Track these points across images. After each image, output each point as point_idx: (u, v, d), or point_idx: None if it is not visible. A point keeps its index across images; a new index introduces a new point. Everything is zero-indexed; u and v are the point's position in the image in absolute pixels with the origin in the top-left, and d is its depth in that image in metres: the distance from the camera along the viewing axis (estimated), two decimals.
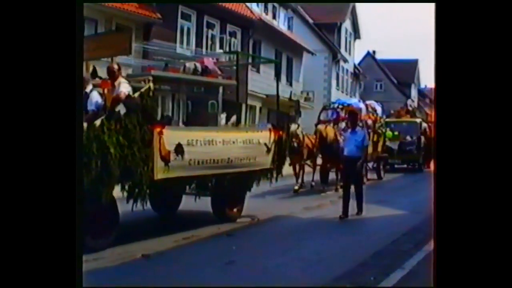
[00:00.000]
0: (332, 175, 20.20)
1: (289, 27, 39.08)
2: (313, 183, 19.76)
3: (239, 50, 29.86)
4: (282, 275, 8.18)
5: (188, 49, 25.79)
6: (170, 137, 10.11)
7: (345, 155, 13.55)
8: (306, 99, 40.27)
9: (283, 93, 34.52)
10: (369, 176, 23.31)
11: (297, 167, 19.08)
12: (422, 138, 30.45)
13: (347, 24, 51.90)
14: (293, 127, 18.21)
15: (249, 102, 31.49)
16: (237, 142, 11.66)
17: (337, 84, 49.35)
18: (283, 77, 37.23)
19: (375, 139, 23.90)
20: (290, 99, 36.05)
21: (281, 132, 13.17)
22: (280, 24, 36.85)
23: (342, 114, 22.54)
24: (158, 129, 9.83)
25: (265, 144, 12.44)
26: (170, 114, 16.04)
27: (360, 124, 22.18)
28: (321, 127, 19.79)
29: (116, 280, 7.54)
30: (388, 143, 27.25)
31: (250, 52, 31.60)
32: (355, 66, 57.65)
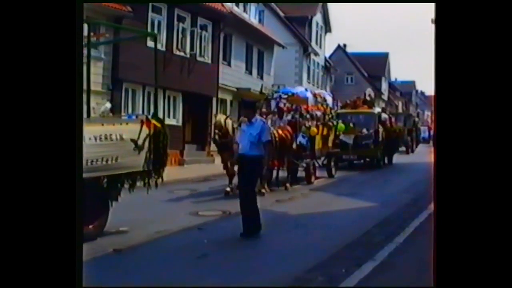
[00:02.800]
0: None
1: (260, 21, 39.03)
2: (228, 189, 16.32)
3: (210, 43, 29.77)
4: (254, 268, 8.20)
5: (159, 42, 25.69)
6: None
7: (239, 153, 10.73)
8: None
9: (254, 86, 34.69)
10: (318, 173, 21.03)
11: (229, 164, 16.12)
12: (381, 131, 27.77)
13: (318, 18, 51.96)
14: (218, 117, 16.35)
15: (220, 95, 31.49)
16: (84, 139, 8.59)
17: (308, 77, 49.43)
18: (254, 71, 37.22)
19: (324, 132, 21.74)
20: (261, 92, 36.06)
21: (159, 125, 10.56)
22: (251, 17, 36.80)
23: (288, 104, 20.78)
24: None
25: (133, 140, 9.96)
26: None
27: (308, 116, 20.90)
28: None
29: (88, 274, 7.49)
30: (342, 136, 24.77)
31: (221, 46, 31.49)
32: (326, 60, 57.78)
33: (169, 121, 26.71)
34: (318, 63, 53.59)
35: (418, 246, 9.23)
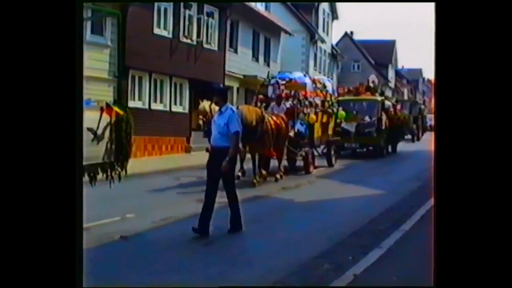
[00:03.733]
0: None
1: (267, 8, 38.90)
2: (239, 174, 15.75)
3: (217, 30, 29.66)
4: (260, 255, 8.20)
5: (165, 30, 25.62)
6: None
7: (211, 145, 9.94)
8: None
9: (260, 74, 34.65)
10: (318, 163, 20.17)
11: None
12: (384, 119, 26.96)
13: (324, 5, 51.81)
14: (202, 103, 15.09)
15: (226, 82, 31.45)
16: None
17: (315, 65, 49.34)
18: (261, 58, 37.16)
19: (324, 120, 20.82)
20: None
21: (122, 112, 9.39)
22: (258, 4, 36.70)
23: (287, 90, 19.93)
24: None
25: (90, 129, 8.86)
26: None
27: (307, 103, 19.96)
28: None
29: (94, 261, 7.51)
30: (344, 124, 24.07)
31: (228, 33, 31.40)
32: (332, 47, 57.63)
33: (175, 108, 26.76)
34: (325, 51, 53.47)
35: (424, 234, 9.22)
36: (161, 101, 25.82)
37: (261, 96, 20.11)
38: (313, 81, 21.06)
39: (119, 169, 9.51)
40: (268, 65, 38.10)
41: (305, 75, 21.44)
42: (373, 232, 9.59)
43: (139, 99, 24.14)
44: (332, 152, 21.57)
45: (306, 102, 20.16)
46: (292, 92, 20.05)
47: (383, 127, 26.65)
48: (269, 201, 13.18)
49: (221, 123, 9.53)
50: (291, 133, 18.13)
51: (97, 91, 21.61)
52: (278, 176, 16.67)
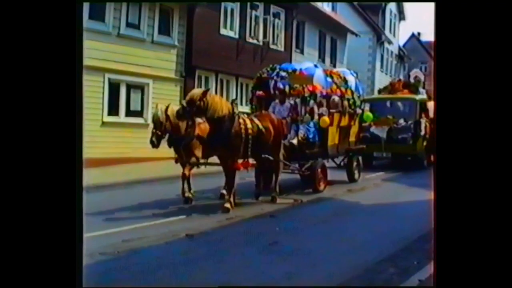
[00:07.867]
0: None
1: (333, 8, 38.70)
2: (190, 195, 12.37)
3: (283, 31, 29.68)
4: (324, 257, 8.17)
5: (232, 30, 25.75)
6: None
7: None
8: None
9: None
10: (335, 176, 16.06)
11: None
12: (423, 122, 21.26)
13: (391, 6, 51.22)
14: (158, 107, 12.08)
15: None
16: None
17: (381, 66, 48.85)
18: (327, 59, 37.02)
19: (343, 123, 16.05)
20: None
21: None
22: (324, 5, 36.56)
23: (298, 85, 15.95)
24: None
25: None
26: None
27: (311, 101, 16.26)
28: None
29: (161, 258, 7.62)
30: (373, 129, 20.23)
31: (294, 33, 31.37)
32: (399, 48, 56.97)
33: (242, 109, 26.85)
34: (391, 52, 52.89)
35: None
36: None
37: (260, 92, 16.20)
38: (329, 74, 16.16)
39: None
40: (334, 66, 37.87)
41: (316, 66, 16.44)
42: None
43: None
44: (355, 164, 17.04)
45: (311, 100, 16.32)
46: (303, 87, 16.17)
47: (422, 132, 21.18)
48: (334, 203, 13.11)
49: None
50: (294, 140, 14.67)
51: (164, 90, 21.94)
52: (274, 195, 12.86)
